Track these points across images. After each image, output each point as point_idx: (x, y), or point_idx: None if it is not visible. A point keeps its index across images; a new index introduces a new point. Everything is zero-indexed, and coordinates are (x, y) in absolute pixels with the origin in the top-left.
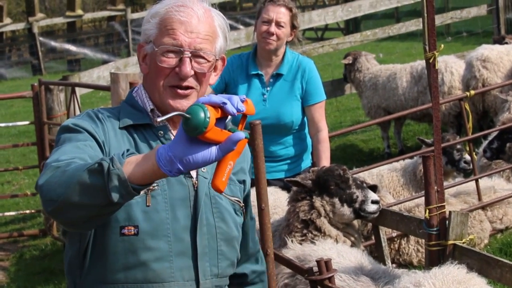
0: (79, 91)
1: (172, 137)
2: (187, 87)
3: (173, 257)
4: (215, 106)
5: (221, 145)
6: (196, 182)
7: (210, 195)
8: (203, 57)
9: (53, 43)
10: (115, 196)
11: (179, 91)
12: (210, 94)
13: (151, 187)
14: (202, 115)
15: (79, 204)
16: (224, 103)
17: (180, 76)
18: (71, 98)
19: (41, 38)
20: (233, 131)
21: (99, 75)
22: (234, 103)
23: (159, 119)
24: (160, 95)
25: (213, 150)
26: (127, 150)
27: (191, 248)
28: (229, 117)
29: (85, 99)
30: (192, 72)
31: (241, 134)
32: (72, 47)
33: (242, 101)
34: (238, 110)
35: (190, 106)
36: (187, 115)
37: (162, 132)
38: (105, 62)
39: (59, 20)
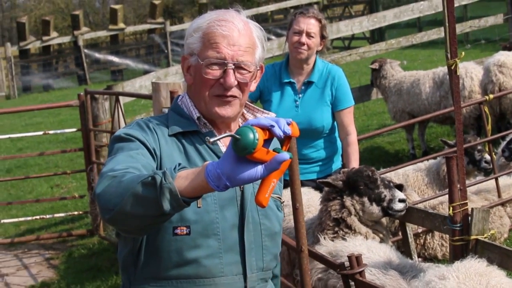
0: (123, 99)
1: (219, 143)
2: (231, 96)
3: (222, 254)
4: (263, 128)
5: (266, 165)
6: (242, 186)
7: (255, 194)
8: (245, 68)
9: (97, 55)
10: (167, 208)
11: (224, 99)
12: (259, 117)
13: None
14: (251, 136)
15: (134, 214)
16: (272, 126)
17: (224, 86)
18: (115, 106)
19: (86, 50)
20: (278, 151)
21: (141, 84)
22: (281, 126)
23: (212, 140)
24: (206, 104)
25: (259, 169)
26: (179, 164)
27: (239, 245)
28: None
29: (128, 107)
30: (236, 83)
31: (286, 155)
32: (115, 58)
33: (288, 124)
34: (284, 133)
35: (241, 128)
36: (237, 136)
37: (208, 138)
38: (146, 72)
39: (102, 33)
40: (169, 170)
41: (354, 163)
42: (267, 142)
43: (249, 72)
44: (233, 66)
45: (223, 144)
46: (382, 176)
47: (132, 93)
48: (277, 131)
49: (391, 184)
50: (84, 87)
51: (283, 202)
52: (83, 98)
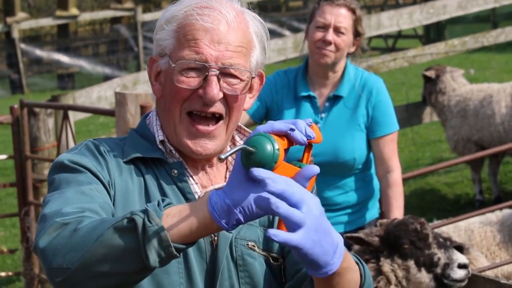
0: (74, 115)
1: (190, 179)
2: (214, 115)
3: None
4: (280, 134)
5: None
6: (216, 238)
7: (236, 255)
8: (234, 75)
9: (38, 52)
10: (153, 260)
11: (201, 127)
12: (270, 121)
13: None
14: (270, 147)
15: (102, 272)
16: (292, 130)
17: (204, 100)
18: (62, 125)
19: (22, 45)
20: (300, 166)
21: (100, 95)
22: (302, 128)
23: (223, 156)
24: (176, 127)
25: None
26: (163, 200)
27: None
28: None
29: (81, 127)
30: (221, 95)
31: (315, 168)
32: (63, 58)
33: (309, 125)
34: (308, 137)
35: (252, 137)
36: (251, 149)
37: (176, 172)
38: (107, 78)
39: (47, 22)
40: (152, 207)
41: (397, 211)
42: (285, 154)
43: (241, 81)
44: (217, 72)
45: (193, 182)
46: (435, 231)
47: (87, 107)
48: (298, 136)
49: (448, 243)
50: (19, 96)
51: (281, 262)
52: (17, 113)
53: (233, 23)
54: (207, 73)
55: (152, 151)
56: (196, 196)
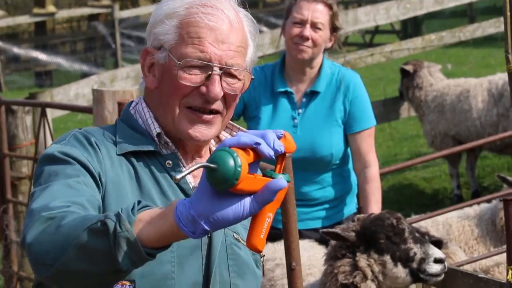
0: (51, 113)
1: (183, 168)
2: (212, 111)
3: None
4: (246, 148)
5: (256, 196)
6: None
7: (226, 244)
8: (234, 75)
9: (15, 50)
10: (124, 263)
11: (202, 115)
12: (238, 133)
13: None
14: (232, 163)
15: (80, 271)
16: (258, 144)
17: (207, 98)
18: (40, 122)
19: (0, 43)
20: (270, 175)
21: (78, 92)
22: (270, 141)
23: (178, 176)
24: (174, 118)
25: (247, 203)
26: (139, 202)
27: None
28: None
29: (59, 124)
30: (222, 93)
31: (282, 181)
32: (41, 55)
33: (279, 137)
34: (275, 151)
35: (215, 153)
36: (213, 166)
37: (170, 162)
38: (85, 75)
39: (24, 20)
40: (125, 212)
41: (375, 206)
42: (253, 166)
43: (239, 80)
44: (220, 72)
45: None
46: (412, 226)
47: (65, 105)
48: (265, 149)
49: (426, 237)
50: None
51: (264, 256)
52: None
53: (235, 23)
54: (211, 72)
55: (146, 144)
56: (191, 186)
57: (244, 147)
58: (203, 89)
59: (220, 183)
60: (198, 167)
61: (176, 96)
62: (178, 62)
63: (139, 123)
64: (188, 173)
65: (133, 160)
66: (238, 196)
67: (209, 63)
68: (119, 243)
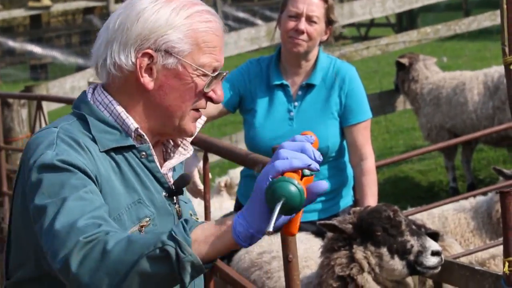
0: (47, 106)
1: (154, 156)
2: None
3: None
4: (297, 170)
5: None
6: (179, 208)
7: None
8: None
9: (11, 43)
10: (187, 281)
11: (201, 113)
12: (287, 155)
13: (144, 223)
14: (296, 192)
15: None
16: (309, 165)
17: (216, 101)
18: (36, 115)
19: None
20: (306, 174)
21: (74, 85)
22: (311, 155)
23: (271, 229)
24: (183, 120)
25: None
26: (186, 221)
27: None
28: None
29: (54, 117)
30: None
31: (323, 184)
32: (36, 49)
33: (312, 143)
34: (317, 162)
35: (276, 184)
36: (282, 201)
37: (145, 154)
38: (80, 68)
39: (19, 13)
40: (181, 236)
41: (370, 199)
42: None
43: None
44: (221, 78)
45: (156, 161)
46: (409, 218)
47: (60, 97)
48: (315, 167)
49: (422, 230)
50: None
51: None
52: None
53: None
54: (221, 78)
55: (123, 138)
56: (162, 174)
57: (296, 170)
58: (212, 94)
59: (289, 211)
60: (277, 211)
61: (190, 101)
62: (204, 70)
63: (106, 117)
64: (274, 222)
65: (113, 155)
66: None
67: (221, 72)
68: (184, 267)
